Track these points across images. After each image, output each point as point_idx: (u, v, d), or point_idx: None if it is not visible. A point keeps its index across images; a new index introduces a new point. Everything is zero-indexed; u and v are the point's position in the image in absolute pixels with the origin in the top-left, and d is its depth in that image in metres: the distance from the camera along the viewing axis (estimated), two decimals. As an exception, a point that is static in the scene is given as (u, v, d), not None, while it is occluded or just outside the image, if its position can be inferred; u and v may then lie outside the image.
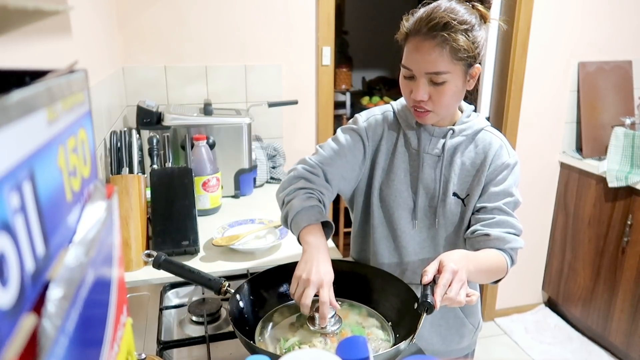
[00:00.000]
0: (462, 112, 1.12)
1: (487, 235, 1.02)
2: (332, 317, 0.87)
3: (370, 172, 1.14)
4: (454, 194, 1.08)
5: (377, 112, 1.15)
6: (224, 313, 1.07)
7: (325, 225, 1.01)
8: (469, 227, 1.08)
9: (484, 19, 1.00)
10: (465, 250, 0.96)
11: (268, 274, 1.00)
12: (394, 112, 1.14)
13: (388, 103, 1.17)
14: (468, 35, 0.95)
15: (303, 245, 0.96)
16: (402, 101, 1.14)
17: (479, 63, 1.01)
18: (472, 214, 1.08)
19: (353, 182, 1.14)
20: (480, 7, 1.00)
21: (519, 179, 1.09)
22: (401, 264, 1.15)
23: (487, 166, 1.06)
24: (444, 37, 0.94)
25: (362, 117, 1.14)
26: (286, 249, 1.35)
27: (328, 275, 0.89)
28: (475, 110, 1.13)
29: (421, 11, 0.98)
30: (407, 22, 1.00)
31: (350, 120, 1.16)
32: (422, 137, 1.08)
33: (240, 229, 1.42)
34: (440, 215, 1.09)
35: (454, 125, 1.09)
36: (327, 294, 0.86)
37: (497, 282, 1.06)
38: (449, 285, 0.83)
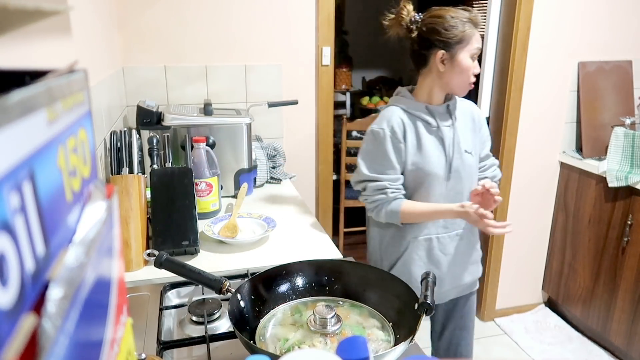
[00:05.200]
0: None
1: (486, 178, 1.47)
2: (332, 317, 0.87)
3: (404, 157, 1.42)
4: (465, 151, 1.44)
5: (387, 116, 1.41)
6: (224, 313, 1.06)
7: None
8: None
9: None
10: None
11: (268, 274, 1.00)
12: (403, 110, 1.41)
13: (388, 103, 1.46)
14: None
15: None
16: (399, 97, 1.46)
17: None
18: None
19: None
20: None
21: None
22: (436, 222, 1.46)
23: (476, 123, 1.49)
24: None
25: (382, 128, 1.39)
26: (278, 241, 1.36)
27: None
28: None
29: (465, 14, 1.35)
30: (463, 26, 1.35)
31: (371, 135, 1.41)
32: (436, 116, 1.42)
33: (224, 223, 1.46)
34: (461, 170, 1.44)
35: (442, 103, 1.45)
36: None
37: None
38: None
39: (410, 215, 1.40)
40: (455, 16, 1.34)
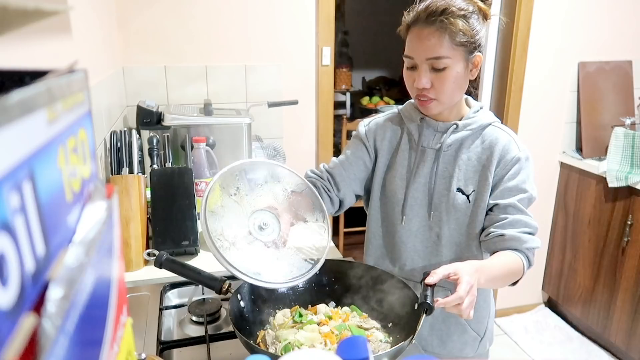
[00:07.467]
0: (470, 108, 1.12)
1: (502, 235, 1.01)
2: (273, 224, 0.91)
3: (373, 172, 1.17)
4: (458, 189, 1.06)
5: (380, 116, 1.20)
6: (224, 313, 1.07)
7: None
8: (483, 230, 1.07)
9: (483, 14, 1.02)
10: (476, 261, 0.94)
11: (268, 274, 1.00)
12: (399, 112, 1.17)
13: (388, 103, 1.25)
14: (467, 21, 0.97)
15: None
16: (409, 102, 1.17)
17: (480, 52, 1.02)
18: (486, 214, 1.06)
19: (366, 182, 1.20)
20: (479, 2, 1.02)
21: (532, 174, 1.07)
22: (399, 260, 1.16)
23: (495, 162, 1.05)
24: (442, 22, 0.96)
25: (362, 123, 1.20)
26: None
27: None
28: (482, 108, 1.15)
29: (421, 4, 1.01)
30: (408, 15, 1.02)
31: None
32: (425, 132, 1.10)
33: None
34: (442, 212, 1.08)
35: (460, 120, 1.09)
36: None
37: (513, 284, 1.06)
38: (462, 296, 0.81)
39: None
40: None
